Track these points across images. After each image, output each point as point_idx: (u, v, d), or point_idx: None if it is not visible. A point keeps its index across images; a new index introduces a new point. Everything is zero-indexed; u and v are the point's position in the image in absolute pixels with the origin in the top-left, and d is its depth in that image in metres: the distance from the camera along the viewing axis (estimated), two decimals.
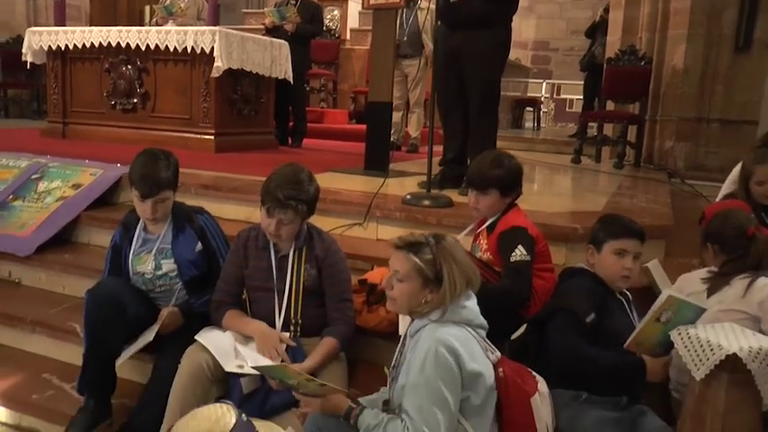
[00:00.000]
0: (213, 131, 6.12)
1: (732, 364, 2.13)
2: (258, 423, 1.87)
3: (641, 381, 2.41)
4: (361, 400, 2.39)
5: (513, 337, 2.67)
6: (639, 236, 2.56)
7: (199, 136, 6.15)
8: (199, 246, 3.08)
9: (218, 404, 1.83)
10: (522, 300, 2.76)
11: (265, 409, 2.57)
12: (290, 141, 7.45)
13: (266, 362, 2.58)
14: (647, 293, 2.96)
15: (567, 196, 5.20)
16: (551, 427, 2.31)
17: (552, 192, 5.49)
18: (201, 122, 6.14)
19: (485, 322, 2.29)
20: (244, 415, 1.81)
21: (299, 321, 2.84)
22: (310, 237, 2.89)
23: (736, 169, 4.02)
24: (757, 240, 2.66)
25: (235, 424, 1.73)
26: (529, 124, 11.92)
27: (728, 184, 4.08)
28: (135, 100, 6.39)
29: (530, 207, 3.55)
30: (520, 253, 2.75)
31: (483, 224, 3.00)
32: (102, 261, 3.20)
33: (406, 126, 7.59)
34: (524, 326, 2.66)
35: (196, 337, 2.75)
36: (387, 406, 2.29)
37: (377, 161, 5.03)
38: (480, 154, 3.14)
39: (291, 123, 7.53)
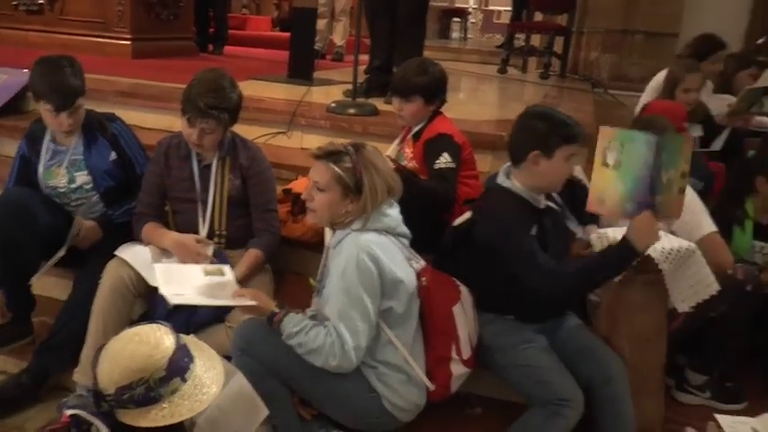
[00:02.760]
0: (129, 36, 5.84)
1: (645, 265, 2.22)
2: (191, 343, 1.80)
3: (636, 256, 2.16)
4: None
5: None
6: (584, 135, 2.37)
7: (114, 41, 5.86)
8: (113, 155, 2.95)
9: (154, 325, 1.72)
10: (447, 203, 2.76)
11: (191, 324, 2.52)
12: (210, 48, 7.18)
13: (178, 288, 2.43)
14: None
15: (493, 105, 5.22)
16: (474, 336, 2.36)
17: (478, 101, 5.49)
18: (116, 26, 5.85)
19: (407, 231, 2.30)
20: (181, 337, 1.74)
21: (224, 233, 2.79)
22: (234, 145, 2.80)
23: (657, 78, 4.11)
24: None
25: (175, 350, 1.66)
26: (456, 35, 11.82)
27: (649, 92, 4.17)
28: (41, 1, 5.99)
29: (456, 116, 3.53)
30: (445, 160, 2.74)
31: (409, 133, 2.98)
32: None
33: (332, 34, 7.40)
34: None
35: (116, 253, 2.66)
36: (314, 320, 2.30)
37: (301, 69, 4.90)
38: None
39: (212, 29, 7.25)
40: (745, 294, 2.64)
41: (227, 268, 2.53)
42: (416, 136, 2.92)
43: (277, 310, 2.17)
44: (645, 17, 6.82)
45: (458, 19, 11.90)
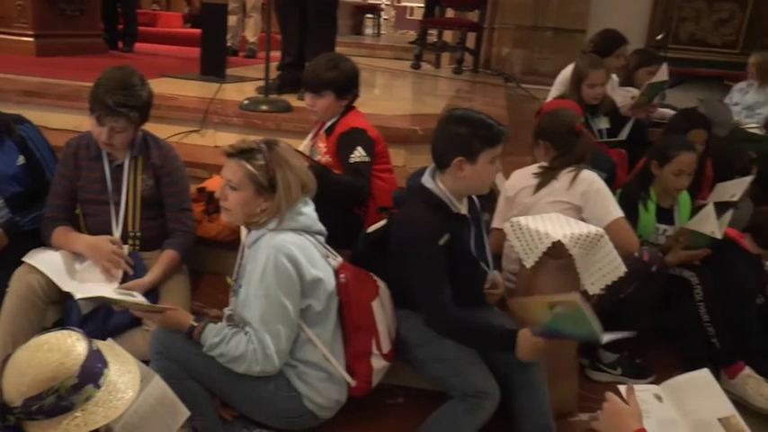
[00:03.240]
0: (32, 33, 5.58)
1: (557, 251, 2.30)
2: (105, 348, 1.74)
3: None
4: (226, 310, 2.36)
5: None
6: (507, 133, 2.32)
7: (15, 37, 5.59)
8: (21, 159, 2.82)
9: (65, 331, 1.63)
10: (362, 196, 2.78)
11: (107, 329, 2.45)
12: (120, 45, 6.97)
13: (90, 292, 2.39)
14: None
15: (406, 100, 5.26)
16: (393, 329, 2.38)
17: (392, 96, 5.54)
18: (17, 22, 5.57)
19: (323, 228, 2.29)
20: (94, 342, 1.68)
21: (138, 234, 2.72)
22: (146, 144, 2.73)
23: (564, 72, 4.24)
24: (583, 136, 2.83)
25: (87, 356, 1.58)
26: (369, 31, 11.85)
27: (557, 86, 4.30)
28: None
29: (370, 111, 3.57)
30: (359, 154, 2.76)
31: (322, 128, 2.98)
32: None
33: (243, 31, 7.30)
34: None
35: (24, 259, 2.55)
36: (231, 321, 2.27)
37: (213, 66, 4.81)
38: None
39: (121, 26, 7.03)
40: (650, 275, 2.78)
41: (138, 295, 2.46)
42: (329, 131, 2.92)
43: (195, 323, 2.13)
44: (553, 14, 7.06)
45: (371, 15, 11.94)
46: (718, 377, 3.01)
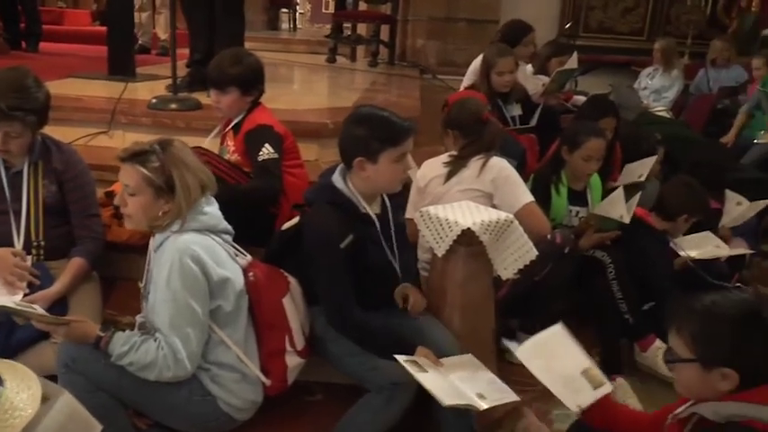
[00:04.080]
0: None
1: (468, 238, 2.32)
2: (2, 366, 1.66)
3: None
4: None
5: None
6: (411, 131, 2.30)
7: None
8: None
9: None
10: (274, 196, 2.75)
11: (12, 344, 2.35)
12: (23, 45, 6.67)
13: None
14: None
15: (320, 94, 5.23)
16: (307, 325, 2.36)
17: (306, 90, 5.51)
18: None
19: (229, 227, 2.25)
20: None
21: (42, 243, 2.60)
22: (46, 149, 2.62)
23: (475, 63, 4.29)
24: (491, 124, 2.87)
25: None
26: (285, 25, 11.71)
27: (469, 76, 4.35)
28: None
29: (282, 106, 3.53)
30: (267, 151, 2.72)
31: (229, 125, 2.93)
32: None
33: (154, 28, 7.11)
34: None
35: None
36: (144, 328, 2.20)
37: (122, 64, 4.62)
38: None
39: (23, 24, 6.73)
40: (563, 257, 2.84)
41: (39, 308, 2.35)
42: (236, 128, 2.87)
43: (102, 333, 2.06)
44: (466, 6, 7.16)
45: (286, 10, 11.79)
46: (632, 350, 3.18)
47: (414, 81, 5.94)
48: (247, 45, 6.71)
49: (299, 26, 12.48)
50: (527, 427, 1.92)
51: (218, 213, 2.22)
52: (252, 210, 2.62)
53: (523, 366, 2.88)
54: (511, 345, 2.16)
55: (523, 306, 2.92)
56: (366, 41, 7.13)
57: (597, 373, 2.02)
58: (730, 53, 6.67)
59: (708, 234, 3.51)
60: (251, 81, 2.84)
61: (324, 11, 13.73)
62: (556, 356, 2.06)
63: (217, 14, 4.15)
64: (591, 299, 3.10)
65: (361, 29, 7.59)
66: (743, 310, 1.61)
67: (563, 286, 2.94)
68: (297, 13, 12.47)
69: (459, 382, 2.16)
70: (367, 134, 2.21)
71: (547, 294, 2.88)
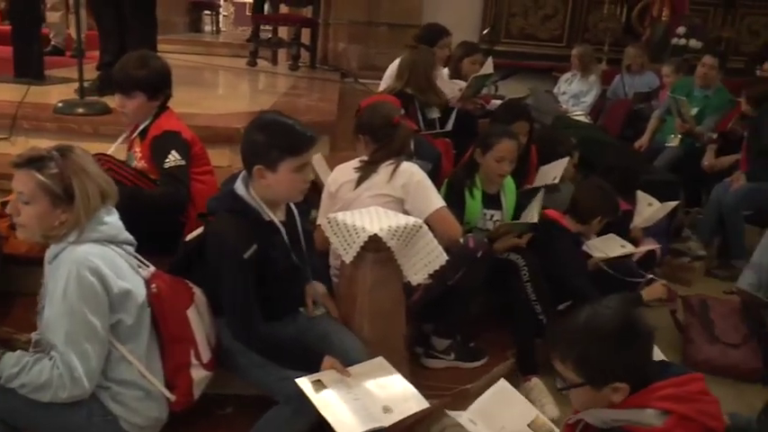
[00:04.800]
0: None
1: (375, 245, 2.29)
2: None
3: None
4: None
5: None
6: (314, 141, 2.26)
7: None
8: None
9: None
10: (181, 205, 2.68)
11: None
12: None
13: None
14: (310, 187, 3.07)
15: (236, 98, 5.15)
16: (213, 337, 2.29)
17: (222, 95, 5.42)
18: None
19: (131, 237, 2.15)
20: None
21: None
22: None
23: (392, 66, 4.30)
24: (401, 128, 2.85)
25: None
26: (208, 28, 11.50)
27: (386, 80, 4.35)
28: None
29: (197, 110, 3.44)
30: (174, 158, 2.65)
31: (135, 131, 2.83)
32: None
33: (68, 28, 6.86)
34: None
35: None
36: (39, 346, 2.07)
37: (27, 66, 4.41)
38: None
39: None
40: (476, 261, 2.85)
41: None
42: (143, 134, 2.78)
43: None
44: (387, 10, 7.17)
45: (209, 12, 11.59)
46: (546, 350, 3.23)
47: (334, 85, 5.89)
48: (168, 47, 6.64)
49: (222, 28, 12.29)
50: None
51: (119, 223, 2.13)
52: (158, 218, 2.54)
53: (437, 371, 2.93)
54: (456, 415, 2.11)
55: (438, 311, 2.92)
56: (287, 45, 7.05)
57: (544, 421, 2.06)
58: (643, 60, 6.87)
59: (611, 236, 3.59)
60: (157, 85, 2.76)
61: (248, 13, 13.52)
62: (502, 413, 2.09)
63: (126, 15, 4.02)
64: (506, 301, 3.13)
65: (283, 32, 7.52)
66: (616, 325, 1.66)
67: (477, 290, 2.96)
68: (220, 16, 12.29)
69: (365, 397, 2.12)
70: (267, 141, 2.16)
71: (461, 298, 2.89)
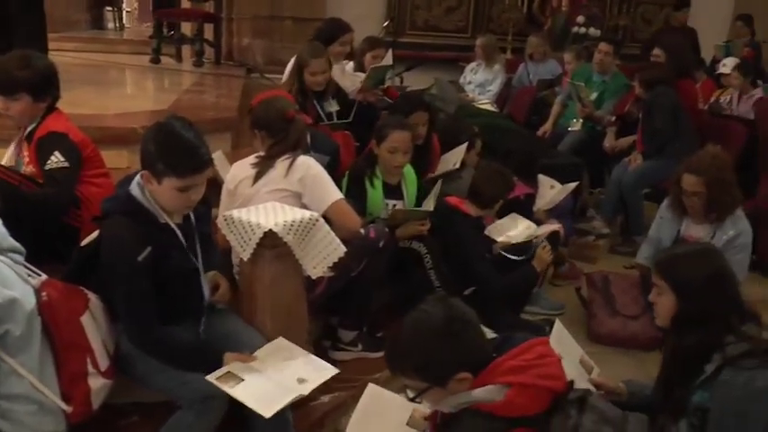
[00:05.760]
0: None
1: (272, 240, 2.28)
2: None
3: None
4: None
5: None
6: (207, 165, 2.16)
7: None
8: None
9: None
10: (61, 208, 2.60)
11: None
12: None
13: None
14: (211, 184, 3.03)
15: (136, 97, 5.05)
16: (111, 344, 2.23)
17: (122, 94, 5.27)
18: None
19: (17, 245, 2.08)
20: None
21: None
22: None
23: (292, 61, 4.26)
24: (296, 122, 2.84)
25: None
26: (111, 24, 11.13)
27: (287, 75, 4.31)
28: None
29: (93, 111, 3.34)
30: (56, 159, 2.57)
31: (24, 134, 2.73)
32: None
33: None
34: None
35: None
36: None
37: None
38: None
39: None
40: (378, 251, 2.88)
41: None
42: (30, 137, 2.68)
43: None
44: (291, 4, 7.11)
45: (110, 8, 11.21)
46: None
47: (237, 81, 5.81)
48: (68, 46, 6.39)
49: (126, 25, 11.90)
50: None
51: (2, 230, 2.05)
52: (39, 221, 2.45)
53: (346, 363, 2.95)
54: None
55: (343, 303, 2.94)
56: (189, 41, 6.90)
57: (421, 414, 2.10)
58: (545, 48, 7.06)
59: (513, 216, 3.68)
60: (42, 86, 2.66)
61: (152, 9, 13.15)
62: (379, 420, 2.14)
63: (11, 12, 3.85)
64: (410, 289, 3.15)
65: (187, 28, 7.35)
66: (439, 323, 1.73)
67: (381, 279, 2.98)
68: (123, 12, 11.91)
69: (276, 375, 2.14)
70: (156, 153, 2.09)
71: (365, 289, 2.91)
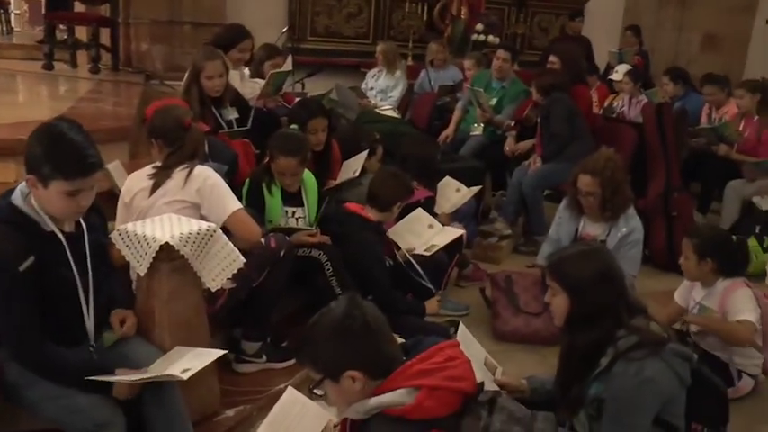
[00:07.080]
0: None
1: (168, 253, 2.24)
2: None
3: None
4: None
5: None
6: (96, 168, 2.08)
7: None
8: None
9: None
10: None
11: None
12: None
13: None
14: (107, 196, 2.94)
15: (25, 106, 4.84)
16: None
17: (9, 102, 5.01)
18: None
19: None
20: None
21: None
22: None
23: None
24: (193, 131, 2.79)
25: None
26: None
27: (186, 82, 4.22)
28: None
29: None
30: None
31: None
32: None
33: None
34: None
35: None
36: None
37: None
38: None
39: None
40: (280, 260, 2.86)
41: None
42: None
43: None
44: (189, 8, 6.92)
45: None
46: None
47: (134, 88, 5.64)
48: None
49: (15, 28, 11.32)
50: None
51: None
52: None
53: (250, 375, 2.92)
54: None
55: (245, 314, 2.91)
56: (84, 46, 6.63)
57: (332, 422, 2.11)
58: (446, 55, 7.21)
59: (418, 213, 3.74)
60: None
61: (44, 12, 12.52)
62: (294, 424, 2.14)
63: None
64: (312, 297, 3.16)
65: (82, 33, 7.05)
66: (335, 321, 1.78)
67: (282, 289, 2.96)
68: (11, 14, 11.32)
69: (159, 369, 2.14)
70: (42, 155, 2.00)
71: (267, 299, 2.89)
